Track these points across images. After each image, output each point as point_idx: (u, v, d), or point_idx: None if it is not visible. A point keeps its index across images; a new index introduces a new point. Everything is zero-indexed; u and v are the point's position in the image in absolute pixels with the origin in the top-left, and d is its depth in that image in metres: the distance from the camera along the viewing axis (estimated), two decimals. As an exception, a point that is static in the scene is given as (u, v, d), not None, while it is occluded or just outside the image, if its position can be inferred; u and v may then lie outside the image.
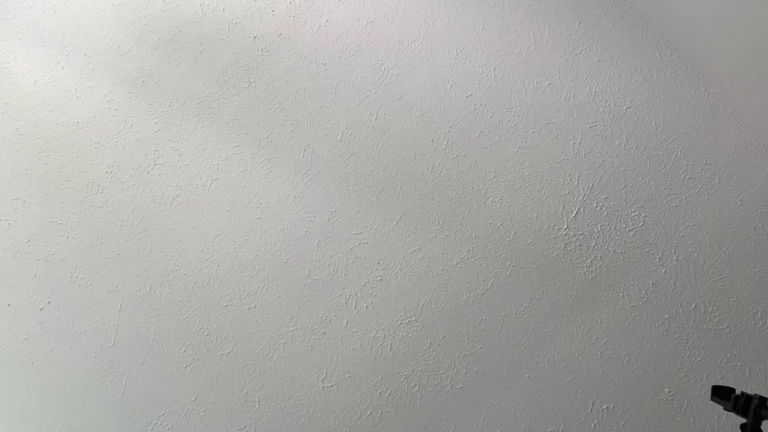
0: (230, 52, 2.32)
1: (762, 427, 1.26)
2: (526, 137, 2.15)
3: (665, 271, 2.01)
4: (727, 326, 1.96)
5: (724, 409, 1.32)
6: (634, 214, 2.06)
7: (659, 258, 2.02)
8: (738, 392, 1.30)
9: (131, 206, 2.22)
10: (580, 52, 2.19)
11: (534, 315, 2.03)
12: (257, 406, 2.06)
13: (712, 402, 1.40)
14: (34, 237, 2.23)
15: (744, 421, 1.29)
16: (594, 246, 2.06)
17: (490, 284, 2.06)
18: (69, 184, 2.26)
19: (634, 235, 2.05)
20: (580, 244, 2.06)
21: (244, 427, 2.05)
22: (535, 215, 2.10)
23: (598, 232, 2.06)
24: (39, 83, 2.34)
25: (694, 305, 1.98)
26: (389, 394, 2.02)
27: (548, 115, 2.16)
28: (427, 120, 2.20)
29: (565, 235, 2.07)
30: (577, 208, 2.09)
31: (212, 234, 2.18)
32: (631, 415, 1.95)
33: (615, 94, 2.15)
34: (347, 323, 2.08)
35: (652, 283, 2.01)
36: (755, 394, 1.26)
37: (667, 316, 1.99)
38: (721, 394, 1.32)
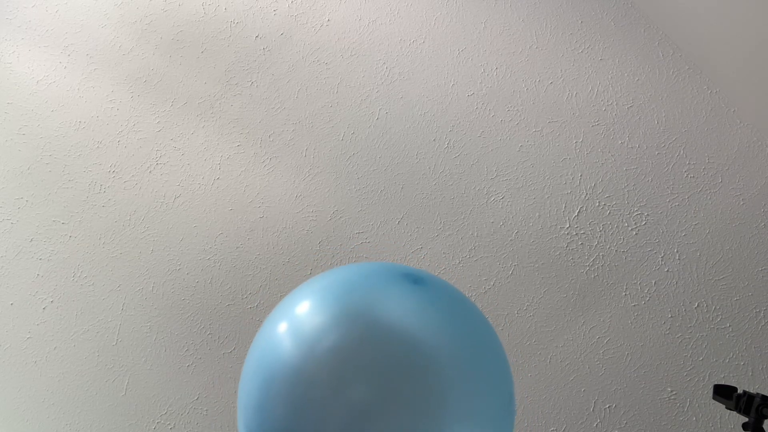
0: (232, 51, 2.32)
1: (764, 426, 1.26)
2: (528, 136, 2.15)
3: (667, 270, 2.01)
4: (729, 325, 1.96)
5: (726, 408, 1.32)
6: (636, 213, 2.06)
7: (661, 257, 2.02)
8: (740, 391, 1.30)
9: (133, 206, 2.23)
10: (582, 51, 2.19)
11: (536, 314, 2.03)
12: (259, 405, 2.06)
13: (714, 401, 1.40)
14: (37, 236, 2.23)
15: (746, 420, 1.28)
16: (596, 245, 2.05)
17: (492, 283, 2.06)
18: (71, 184, 2.26)
19: (636, 234, 2.05)
20: (582, 243, 2.06)
21: (247, 426, 2.05)
22: (537, 214, 2.09)
23: (601, 231, 2.06)
24: (41, 83, 2.34)
25: (696, 304, 1.98)
26: (391, 393, 2.02)
27: (550, 114, 2.16)
28: (429, 119, 2.20)
29: (567, 234, 2.07)
30: (580, 207, 2.08)
31: (214, 233, 2.18)
32: (633, 414, 1.94)
33: (617, 93, 2.15)
34: (349, 322, 2.08)
35: (655, 282, 2.01)
36: (757, 393, 1.26)
37: (670, 315, 1.98)
38: (723, 393, 1.32)
